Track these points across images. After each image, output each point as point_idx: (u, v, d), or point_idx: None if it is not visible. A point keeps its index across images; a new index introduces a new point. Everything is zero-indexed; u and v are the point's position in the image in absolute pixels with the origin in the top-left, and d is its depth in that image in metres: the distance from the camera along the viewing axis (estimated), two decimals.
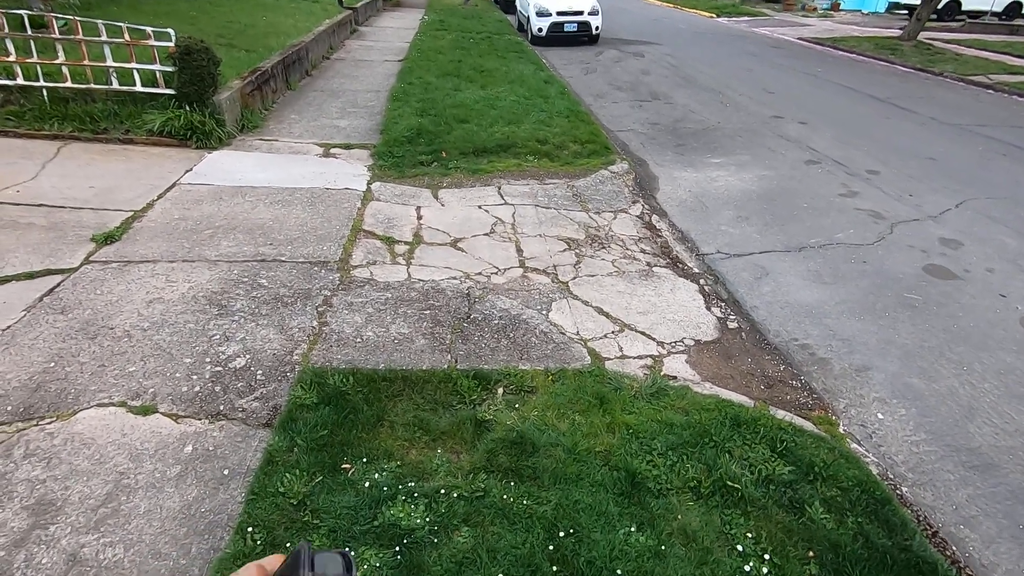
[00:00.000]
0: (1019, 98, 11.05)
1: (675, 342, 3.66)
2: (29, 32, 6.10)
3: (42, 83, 6.24)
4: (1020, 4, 21.77)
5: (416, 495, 2.43)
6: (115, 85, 6.30)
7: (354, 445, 2.66)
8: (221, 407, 2.86)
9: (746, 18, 23.78)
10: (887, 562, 2.29)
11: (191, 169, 5.64)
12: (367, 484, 2.46)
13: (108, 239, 4.26)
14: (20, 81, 6.17)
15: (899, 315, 4.10)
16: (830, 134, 8.27)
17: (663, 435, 2.82)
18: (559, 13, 14.75)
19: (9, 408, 2.76)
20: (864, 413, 3.22)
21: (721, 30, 20.54)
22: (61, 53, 6.15)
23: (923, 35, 17.29)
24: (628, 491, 2.51)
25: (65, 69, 6.18)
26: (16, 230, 4.29)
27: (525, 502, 2.42)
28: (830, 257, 4.86)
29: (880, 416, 3.20)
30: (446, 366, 3.24)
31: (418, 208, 5.32)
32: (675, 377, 3.33)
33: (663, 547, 2.28)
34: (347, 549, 2.16)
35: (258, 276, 3.98)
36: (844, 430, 3.08)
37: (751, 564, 2.25)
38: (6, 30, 5.98)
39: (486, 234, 4.90)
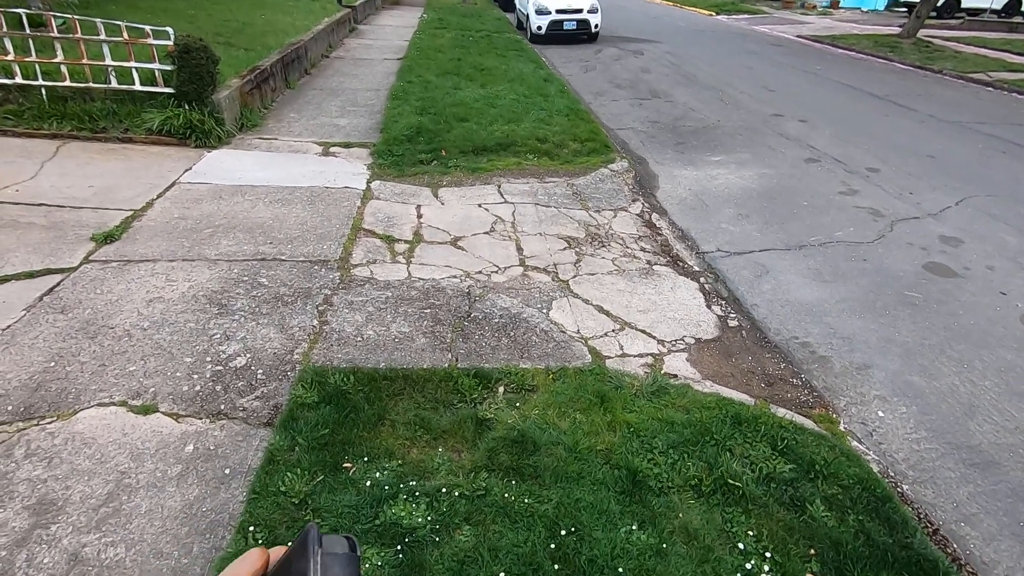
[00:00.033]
0: (1018, 95, 11.04)
1: (676, 340, 3.66)
2: (27, 31, 6.08)
3: (41, 82, 6.23)
4: (1019, 1, 21.75)
5: (417, 494, 2.43)
6: (114, 84, 6.29)
7: (355, 444, 2.66)
8: (222, 406, 2.86)
9: (745, 16, 23.76)
10: (888, 560, 2.29)
11: (190, 168, 5.63)
12: (368, 483, 2.46)
13: (108, 238, 4.26)
14: (19, 80, 6.16)
15: (899, 313, 4.10)
16: (830, 132, 8.26)
17: (664, 433, 2.82)
18: (558, 11, 14.73)
19: (10, 408, 2.76)
20: (865, 411, 3.23)
21: (721, 28, 20.52)
22: (60, 52, 6.13)
23: (922, 32, 17.29)
24: (629, 489, 2.52)
25: (64, 68, 6.17)
26: (16, 229, 4.28)
27: (526, 501, 2.43)
28: (830, 255, 4.86)
29: (881, 414, 3.20)
30: (447, 365, 3.24)
31: (418, 207, 5.31)
32: (676, 375, 3.33)
33: (664, 545, 2.28)
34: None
35: (258, 275, 3.97)
36: (845, 428, 3.08)
37: (752, 562, 2.25)
38: (4, 29, 5.96)
39: (486, 233, 4.90)
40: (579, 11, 14.81)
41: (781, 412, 3.08)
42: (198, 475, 2.48)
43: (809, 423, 3.04)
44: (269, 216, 4.82)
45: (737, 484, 2.56)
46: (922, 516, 2.60)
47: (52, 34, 6.10)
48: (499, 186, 5.90)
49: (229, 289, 3.79)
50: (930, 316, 4.07)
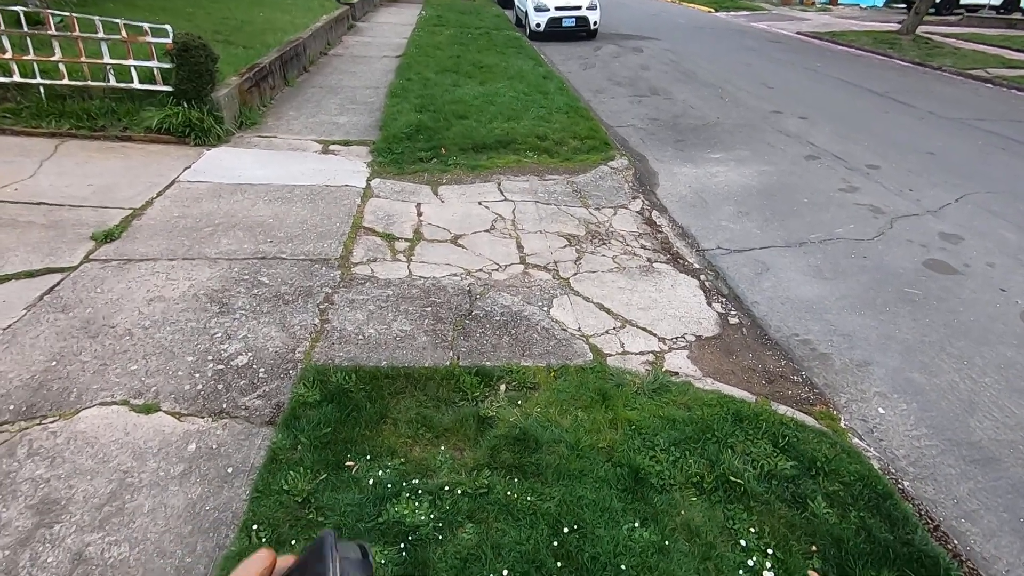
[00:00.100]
0: (1018, 92, 11.04)
1: (676, 338, 3.66)
2: (25, 29, 6.06)
3: (39, 80, 6.21)
4: None
5: (420, 492, 2.43)
6: (112, 82, 6.27)
7: (357, 442, 2.66)
8: (224, 405, 2.86)
9: (744, 12, 23.73)
10: (889, 556, 2.30)
11: (190, 166, 5.62)
12: (371, 481, 2.46)
13: (108, 237, 4.25)
14: (16, 78, 6.14)
15: (899, 310, 4.10)
16: (829, 129, 8.26)
17: (665, 431, 2.83)
18: (557, 8, 14.71)
19: (11, 407, 2.75)
20: (865, 408, 3.23)
21: (720, 25, 20.49)
22: (58, 50, 6.11)
23: (921, 29, 17.28)
24: (631, 487, 2.52)
25: (62, 66, 6.15)
26: (15, 228, 4.27)
27: (529, 498, 2.43)
28: (830, 252, 4.86)
29: (881, 411, 3.21)
30: (448, 363, 3.25)
31: (418, 205, 5.31)
32: (677, 373, 3.33)
33: (667, 542, 2.29)
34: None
35: (259, 274, 3.97)
36: (845, 425, 3.09)
37: (754, 559, 2.26)
38: (2, 27, 5.94)
39: (486, 230, 4.89)
40: (578, 8, 14.79)
41: (782, 409, 3.09)
42: (201, 474, 2.49)
43: (810, 420, 3.04)
44: (269, 214, 4.82)
45: (739, 481, 2.56)
46: (923, 512, 2.61)
47: (50, 32, 6.08)
48: (499, 184, 5.90)
49: (230, 288, 3.79)
50: (930, 313, 4.08)
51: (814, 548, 2.33)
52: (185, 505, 2.35)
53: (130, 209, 4.71)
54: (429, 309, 3.73)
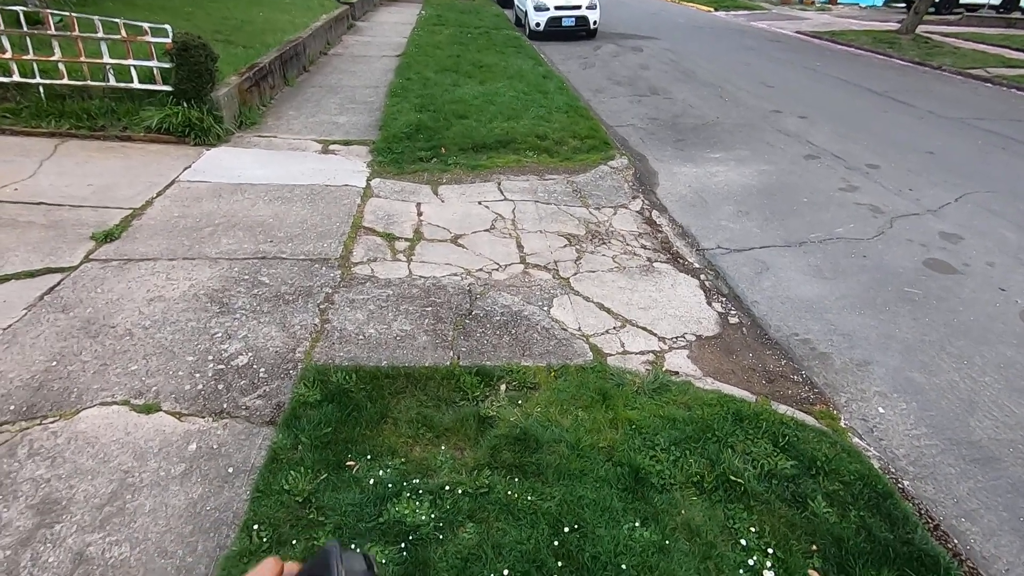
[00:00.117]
0: (1017, 91, 11.05)
1: (676, 337, 3.67)
2: (25, 29, 6.06)
3: (38, 80, 6.21)
4: None
5: (421, 492, 2.43)
6: (112, 82, 6.27)
7: (358, 442, 2.66)
8: (224, 405, 2.86)
9: (744, 12, 23.73)
10: (889, 555, 2.31)
11: (190, 166, 5.62)
12: (372, 481, 2.47)
13: (108, 237, 4.25)
14: (16, 78, 6.14)
15: (899, 309, 4.11)
16: (829, 128, 8.26)
17: (666, 430, 2.83)
18: (557, 8, 14.71)
19: (12, 407, 2.76)
20: (865, 407, 3.24)
21: (719, 24, 20.49)
22: (57, 50, 6.11)
23: (921, 28, 17.28)
24: (632, 486, 2.52)
25: (61, 66, 6.15)
26: (15, 228, 4.27)
27: (529, 498, 2.43)
28: (830, 252, 4.87)
29: (881, 410, 3.22)
30: (448, 363, 3.25)
31: (418, 204, 5.31)
32: (677, 372, 3.34)
33: (667, 542, 2.29)
34: (356, 549, 2.17)
35: (259, 273, 3.97)
36: (846, 424, 3.10)
37: (755, 558, 2.27)
38: (2, 27, 5.94)
39: (486, 230, 4.89)
40: (577, 7, 14.79)
41: (782, 409, 3.09)
42: (201, 474, 2.49)
43: (810, 420, 3.05)
44: (269, 214, 4.82)
45: (739, 481, 2.57)
46: (923, 512, 2.61)
47: (49, 32, 6.08)
48: (499, 183, 5.90)
49: (230, 288, 3.79)
50: (930, 312, 4.08)
51: (814, 547, 2.33)
52: (186, 505, 2.35)
53: (130, 209, 4.71)
54: (429, 309, 3.73)
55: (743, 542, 2.32)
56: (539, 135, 7.13)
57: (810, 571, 2.24)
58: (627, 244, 4.84)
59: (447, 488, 2.45)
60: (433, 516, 2.33)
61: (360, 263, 4.23)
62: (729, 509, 2.46)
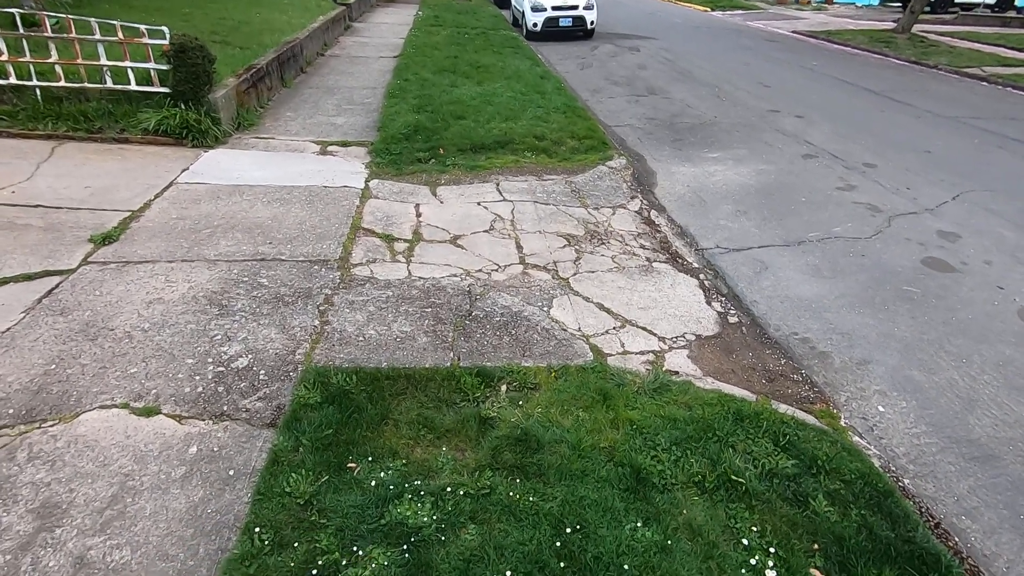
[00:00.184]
0: (1014, 90, 11.08)
1: (676, 337, 3.67)
2: (21, 31, 6.04)
3: (35, 82, 6.19)
4: None
5: (422, 493, 2.43)
6: (109, 84, 6.26)
7: (359, 444, 2.66)
8: (225, 407, 2.85)
9: (740, 12, 23.77)
10: (891, 554, 2.31)
11: (188, 168, 5.61)
12: (373, 483, 2.46)
13: (106, 239, 4.24)
14: (13, 80, 6.12)
15: (898, 308, 4.12)
16: (827, 128, 8.28)
17: (667, 430, 2.83)
18: (554, 8, 14.73)
19: (11, 411, 2.75)
20: (865, 406, 3.24)
21: (716, 24, 20.53)
22: (54, 52, 6.10)
23: (917, 27, 17.34)
24: (633, 486, 2.52)
25: (58, 68, 6.13)
26: (13, 231, 4.26)
27: (531, 499, 2.43)
28: (829, 251, 4.88)
29: (881, 409, 3.22)
30: (449, 364, 3.24)
31: (417, 205, 5.31)
32: (677, 372, 3.34)
33: (669, 542, 2.29)
34: (355, 549, 2.17)
35: (258, 275, 3.97)
36: (846, 423, 3.10)
37: (756, 557, 2.27)
38: None
39: (485, 231, 4.89)
40: (574, 8, 14.81)
41: (782, 408, 3.09)
42: (202, 477, 2.48)
43: (810, 419, 3.05)
44: (268, 216, 4.81)
45: (740, 480, 2.57)
46: (923, 510, 2.62)
47: (46, 34, 6.06)
48: (498, 184, 5.89)
49: (229, 290, 3.78)
50: (929, 311, 4.09)
51: (816, 546, 2.34)
52: (187, 508, 2.34)
53: (128, 211, 4.70)
54: (429, 310, 3.73)
55: (745, 541, 2.33)
56: (537, 135, 7.14)
57: (812, 570, 2.25)
58: (626, 244, 4.84)
59: (449, 489, 2.45)
60: (435, 517, 2.33)
61: (359, 264, 4.22)
62: (731, 508, 2.46)
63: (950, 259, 4.78)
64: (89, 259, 4.02)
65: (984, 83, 11.68)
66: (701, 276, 4.43)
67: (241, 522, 2.29)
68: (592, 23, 15.11)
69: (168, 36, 6.03)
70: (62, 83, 6.18)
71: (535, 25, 14.79)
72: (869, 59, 14.22)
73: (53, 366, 3.03)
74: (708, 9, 24.27)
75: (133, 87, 6.30)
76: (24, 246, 4.08)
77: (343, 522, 2.29)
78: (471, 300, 3.87)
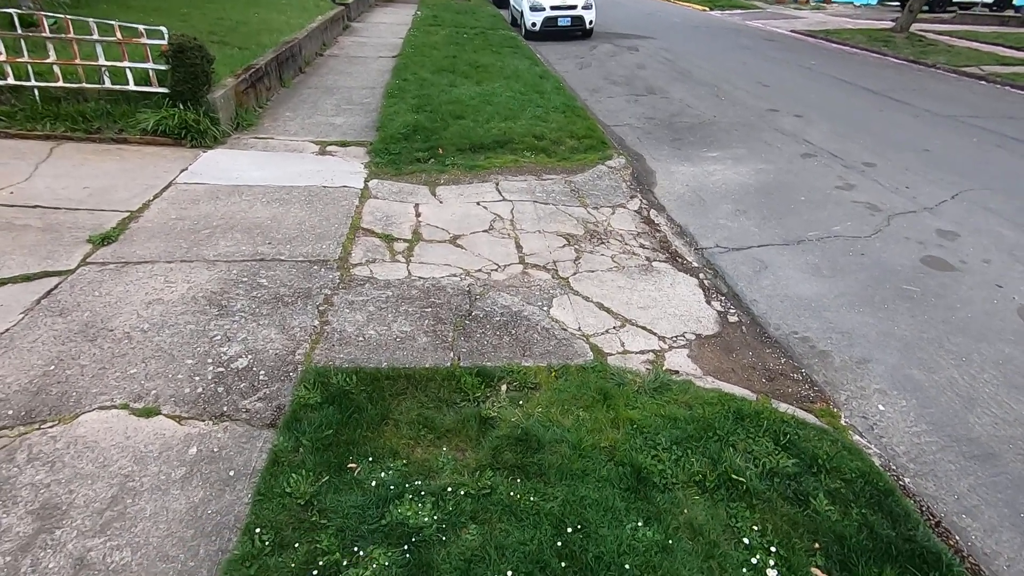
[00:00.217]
0: (1011, 89, 11.10)
1: (676, 337, 3.67)
2: (19, 31, 6.03)
3: (33, 83, 6.17)
4: None
5: (423, 493, 2.43)
6: (107, 84, 6.25)
7: (359, 444, 2.66)
8: (224, 408, 2.85)
9: (739, 11, 23.78)
10: (892, 552, 2.31)
11: (187, 168, 5.60)
12: (374, 483, 2.46)
13: (105, 240, 4.23)
14: (11, 81, 6.11)
15: (898, 307, 4.12)
16: (825, 127, 8.29)
17: (667, 430, 2.83)
18: (553, 8, 14.72)
19: (10, 412, 2.74)
20: (865, 405, 3.24)
21: (715, 23, 20.54)
22: (52, 52, 6.08)
23: (915, 27, 17.35)
24: (634, 486, 2.52)
25: (56, 68, 6.12)
26: (11, 232, 4.25)
27: (532, 499, 2.43)
28: (828, 250, 4.88)
29: (881, 408, 3.22)
30: (449, 364, 3.24)
31: (416, 205, 5.30)
32: (677, 372, 3.34)
33: (670, 541, 2.29)
34: (356, 549, 2.17)
35: (257, 276, 3.96)
36: (846, 422, 3.10)
37: (758, 557, 2.27)
38: None
39: (485, 231, 4.89)
40: (573, 7, 14.81)
41: (783, 407, 3.09)
42: (202, 477, 2.48)
43: (811, 418, 3.05)
44: (267, 216, 4.80)
45: (741, 479, 2.57)
46: (924, 509, 2.62)
47: (44, 34, 6.05)
48: (497, 184, 5.89)
49: (228, 290, 3.78)
50: (928, 310, 4.09)
51: (817, 545, 2.34)
52: (187, 509, 2.34)
53: (127, 212, 4.69)
54: (429, 310, 3.73)
55: (746, 541, 2.33)
56: (536, 135, 7.13)
57: (813, 569, 2.25)
58: (626, 244, 4.84)
59: (449, 489, 2.45)
60: (436, 518, 2.33)
61: (359, 264, 4.22)
62: (731, 508, 2.46)
63: (949, 258, 4.79)
64: (88, 260, 4.01)
65: (982, 82, 11.69)
66: (701, 275, 4.43)
67: (241, 523, 2.28)
68: (591, 22, 15.11)
69: (167, 36, 6.02)
70: (60, 83, 6.17)
71: (534, 25, 14.79)
72: (868, 58, 14.23)
73: (52, 367, 3.02)
74: (707, 8, 24.28)
75: (131, 87, 6.29)
76: (23, 247, 4.07)
77: (344, 522, 2.29)
78: (471, 300, 3.86)
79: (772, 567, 2.23)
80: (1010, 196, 6.00)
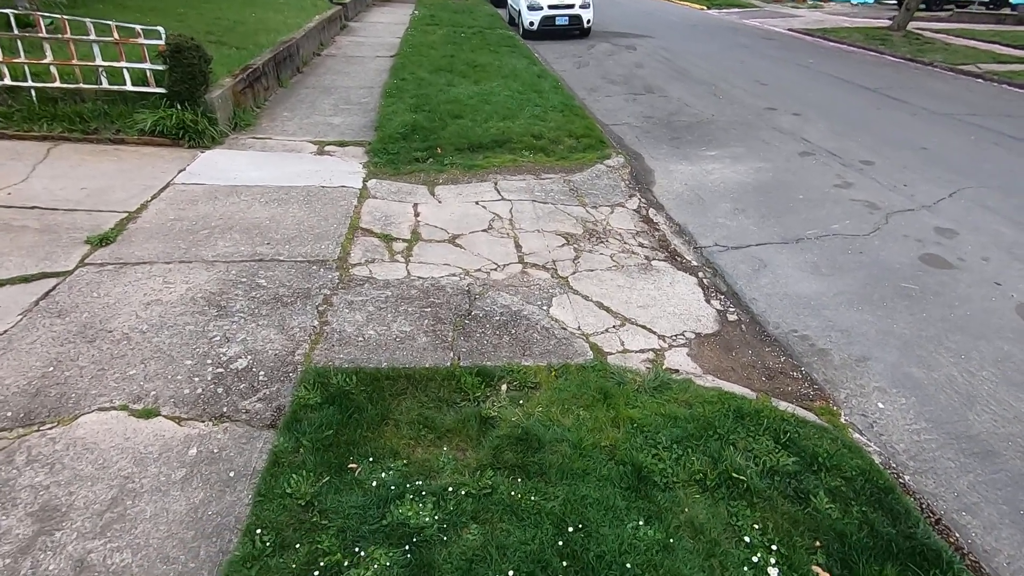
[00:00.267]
0: (1009, 87, 11.12)
1: (676, 335, 3.67)
2: (15, 31, 6.00)
3: (30, 83, 6.15)
4: None
5: (424, 493, 2.42)
6: (105, 84, 6.23)
7: (360, 444, 2.65)
8: (224, 409, 2.84)
9: (737, 9, 23.79)
10: (892, 550, 2.32)
11: (184, 169, 5.59)
12: (374, 483, 2.46)
13: (103, 241, 4.22)
14: (7, 81, 6.09)
15: (896, 305, 4.13)
16: (823, 125, 8.30)
17: (667, 428, 2.83)
18: (550, 7, 14.71)
19: (9, 414, 2.73)
20: (865, 403, 3.25)
21: (712, 22, 20.55)
22: (49, 52, 6.06)
23: (912, 25, 17.38)
24: (635, 485, 2.52)
25: (53, 69, 6.10)
26: (9, 233, 4.23)
27: (533, 498, 2.43)
28: (827, 248, 4.88)
29: (881, 405, 3.23)
30: (449, 364, 3.24)
31: (415, 205, 5.30)
32: (677, 370, 3.34)
33: (671, 540, 2.29)
34: (357, 549, 2.17)
35: (256, 276, 3.95)
36: (846, 420, 3.11)
37: (758, 555, 2.27)
38: None
39: (484, 230, 4.89)
40: (571, 6, 14.80)
41: (783, 405, 3.10)
42: (202, 478, 2.47)
43: (811, 416, 3.06)
44: (266, 216, 4.79)
45: (741, 478, 2.57)
46: (924, 506, 2.62)
47: (41, 35, 6.03)
48: (496, 183, 5.89)
49: (227, 290, 3.77)
50: (927, 308, 4.10)
51: (818, 543, 2.34)
52: (187, 510, 2.34)
53: (125, 212, 4.68)
54: (428, 310, 3.72)
55: (747, 539, 2.33)
56: (535, 134, 7.13)
57: (814, 567, 2.25)
58: (625, 243, 4.84)
59: (450, 489, 2.45)
60: (437, 518, 2.32)
61: (358, 264, 4.21)
62: (732, 506, 2.47)
63: (948, 256, 4.80)
64: (86, 261, 4.00)
65: (979, 80, 11.71)
66: (700, 274, 4.43)
67: (242, 524, 2.28)
68: (588, 21, 15.10)
69: (164, 36, 6.00)
70: (57, 84, 6.15)
71: (531, 24, 14.78)
72: (865, 56, 14.25)
73: (51, 368, 3.02)
74: (705, 7, 24.29)
75: (129, 88, 6.27)
76: (20, 248, 4.05)
77: (344, 523, 2.28)
78: (470, 299, 3.86)
79: (773, 565, 2.24)
80: (1008, 194, 6.01)
